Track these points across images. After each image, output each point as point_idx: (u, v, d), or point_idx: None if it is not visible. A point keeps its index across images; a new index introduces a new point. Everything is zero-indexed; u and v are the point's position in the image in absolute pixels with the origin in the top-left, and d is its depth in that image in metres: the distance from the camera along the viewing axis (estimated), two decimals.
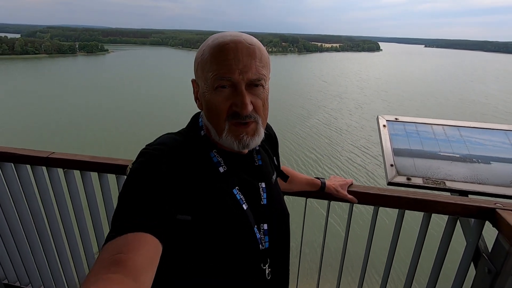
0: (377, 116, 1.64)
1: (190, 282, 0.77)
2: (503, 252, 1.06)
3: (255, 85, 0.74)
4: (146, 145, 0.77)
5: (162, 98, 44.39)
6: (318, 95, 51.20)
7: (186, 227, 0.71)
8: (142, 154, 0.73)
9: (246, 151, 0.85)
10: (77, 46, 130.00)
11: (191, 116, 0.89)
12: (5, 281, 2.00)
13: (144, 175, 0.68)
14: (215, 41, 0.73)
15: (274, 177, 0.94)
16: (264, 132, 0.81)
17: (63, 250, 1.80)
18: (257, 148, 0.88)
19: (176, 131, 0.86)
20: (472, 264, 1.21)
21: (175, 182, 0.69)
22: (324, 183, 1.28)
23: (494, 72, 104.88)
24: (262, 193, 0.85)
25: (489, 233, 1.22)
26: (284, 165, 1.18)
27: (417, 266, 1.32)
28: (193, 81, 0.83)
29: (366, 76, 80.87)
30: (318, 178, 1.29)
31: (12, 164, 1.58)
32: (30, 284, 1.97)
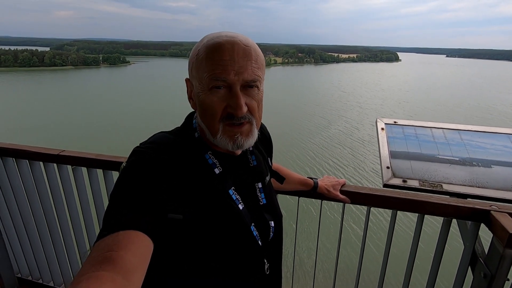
0: (376, 119, 1.64)
1: (186, 282, 0.77)
2: (497, 256, 1.03)
3: (250, 86, 0.74)
4: (140, 144, 0.76)
5: (173, 104, 45.77)
6: (338, 105, 50.90)
7: (177, 226, 0.71)
8: (134, 152, 0.73)
9: (239, 152, 0.85)
10: (100, 58, 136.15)
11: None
12: (18, 275, 2.10)
13: (135, 174, 0.68)
14: (211, 41, 0.73)
15: (268, 178, 0.94)
16: (258, 133, 0.82)
17: (71, 245, 1.88)
18: (251, 149, 0.88)
19: (171, 129, 0.87)
20: (470, 268, 1.18)
21: (166, 181, 0.69)
22: (317, 183, 1.29)
23: None
24: (259, 193, 0.86)
25: (488, 236, 1.19)
26: (278, 164, 1.17)
27: (412, 268, 1.29)
28: (187, 80, 0.82)
29: (386, 86, 79.65)
30: (311, 178, 1.30)
31: (27, 161, 1.70)
32: (41, 279, 2.06)
